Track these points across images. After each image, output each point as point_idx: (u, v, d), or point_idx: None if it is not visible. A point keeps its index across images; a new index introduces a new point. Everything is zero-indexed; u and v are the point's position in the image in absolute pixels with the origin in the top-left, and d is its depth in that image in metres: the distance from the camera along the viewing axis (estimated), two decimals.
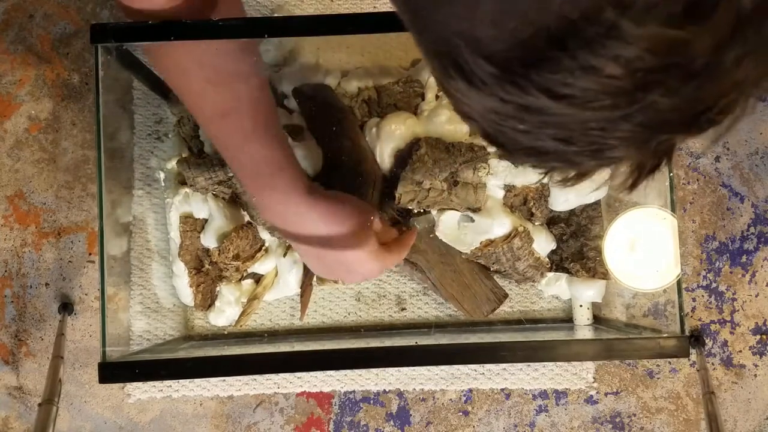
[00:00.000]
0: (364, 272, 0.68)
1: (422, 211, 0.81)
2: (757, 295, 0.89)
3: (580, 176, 0.35)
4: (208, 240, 0.82)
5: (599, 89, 0.27)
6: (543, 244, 0.81)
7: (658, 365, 0.89)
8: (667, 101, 0.28)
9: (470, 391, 0.89)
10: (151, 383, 0.88)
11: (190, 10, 0.61)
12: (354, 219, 0.66)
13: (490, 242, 0.80)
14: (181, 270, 0.83)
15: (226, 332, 0.88)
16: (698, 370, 0.86)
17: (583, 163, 0.33)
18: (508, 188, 0.81)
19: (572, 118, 0.29)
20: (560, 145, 0.31)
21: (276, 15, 0.90)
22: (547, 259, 0.83)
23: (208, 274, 0.84)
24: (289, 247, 0.83)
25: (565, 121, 0.29)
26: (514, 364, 0.87)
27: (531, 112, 0.30)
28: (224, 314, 0.85)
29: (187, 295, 0.84)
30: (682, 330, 0.66)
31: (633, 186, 0.35)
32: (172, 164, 0.83)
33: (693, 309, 0.89)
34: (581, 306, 0.85)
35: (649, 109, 0.28)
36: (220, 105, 0.60)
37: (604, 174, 0.35)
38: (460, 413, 0.89)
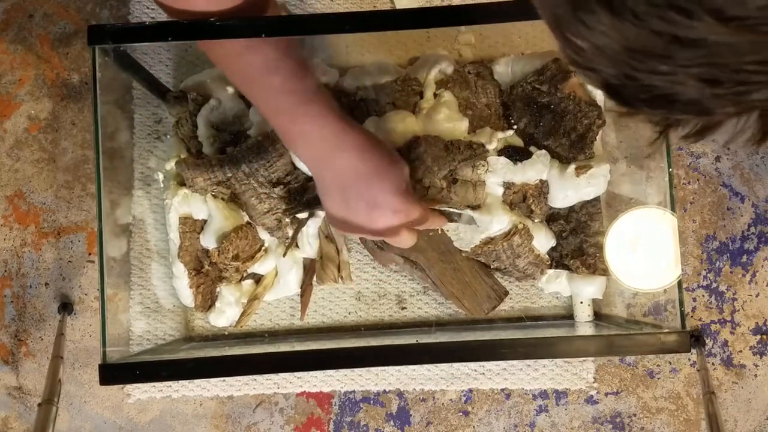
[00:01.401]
0: (386, 210, 0.66)
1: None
2: (757, 295, 0.89)
3: (704, 130, 0.33)
4: (208, 241, 0.82)
5: None
6: (543, 241, 0.81)
7: (658, 365, 0.89)
8: None
9: (470, 391, 0.89)
10: (151, 383, 0.88)
11: (231, 12, 0.62)
12: (387, 154, 0.66)
13: (489, 240, 0.80)
14: (180, 271, 0.83)
15: (226, 333, 0.88)
16: (698, 370, 0.86)
17: (717, 112, 0.31)
18: (507, 185, 0.80)
19: (733, 48, 0.27)
20: (704, 87, 0.29)
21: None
22: (547, 256, 0.83)
23: (207, 274, 0.84)
24: (289, 247, 0.83)
25: (721, 52, 0.27)
26: (514, 364, 0.87)
27: (685, 45, 0.27)
28: (224, 315, 0.85)
29: (187, 296, 0.84)
30: (683, 325, 0.66)
31: (761, 142, 0.32)
32: (171, 165, 0.82)
33: (693, 309, 0.89)
34: (582, 303, 0.85)
35: None
36: (241, 42, 0.61)
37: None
38: (460, 413, 0.89)
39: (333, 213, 0.70)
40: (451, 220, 0.80)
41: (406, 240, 0.71)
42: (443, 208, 0.75)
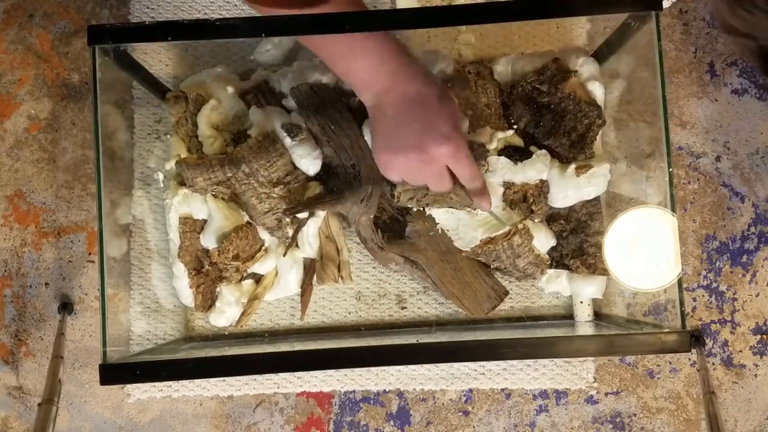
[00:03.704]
0: (437, 133, 0.68)
1: (422, 209, 0.81)
2: (757, 295, 0.89)
3: None
4: (208, 240, 0.82)
5: None
6: (543, 240, 0.81)
7: (658, 365, 0.89)
8: None
9: (470, 391, 0.89)
10: (151, 383, 0.88)
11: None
12: (443, 90, 0.69)
13: (490, 240, 0.80)
14: (180, 271, 0.83)
15: (226, 333, 0.88)
16: (698, 370, 0.86)
17: None
18: (508, 185, 0.81)
19: None
20: None
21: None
22: (547, 256, 0.83)
23: (208, 274, 0.84)
24: (289, 247, 0.83)
25: None
26: (514, 363, 0.87)
27: None
28: (224, 315, 0.85)
29: (188, 296, 0.84)
30: (683, 325, 0.66)
31: None
32: (171, 165, 0.82)
33: (693, 309, 0.89)
34: (582, 302, 0.85)
35: None
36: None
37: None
38: (460, 413, 0.89)
39: (386, 151, 0.72)
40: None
41: (446, 183, 0.72)
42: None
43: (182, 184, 0.82)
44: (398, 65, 0.67)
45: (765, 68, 0.33)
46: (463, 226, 0.81)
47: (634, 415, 0.89)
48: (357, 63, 0.67)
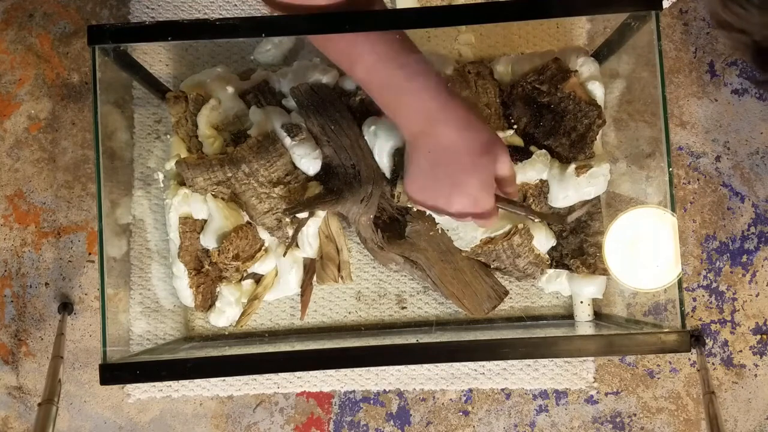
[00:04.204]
0: (467, 197, 0.67)
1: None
2: (757, 295, 0.89)
3: None
4: (208, 240, 0.82)
5: None
6: (543, 240, 0.81)
7: (658, 365, 0.89)
8: None
9: (470, 391, 0.89)
10: (151, 383, 0.88)
11: (339, 6, 0.62)
12: (486, 136, 0.66)
13: (490, 240, 0.80)
14: (181, 271, 0.83)
15: (226, 333, 0.88)
16: (698, 370, 0.86)
17: None
18: None
19: None
20: None
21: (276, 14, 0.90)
22: (547, 256, 0.83)
23: (208, 274, 0.84)
24: (289, 247, 0.83)
25: None
26: (514, 363, 0.87)
27: None
28: (224, 315, 0.85)
29: (188, 296, 0.84)
30: (683, 325, 0.66)
31: None
32: (171, 165, 0.82)
33: (693, 309, 0.89)
34: (582, 302, 0.85)
35: None
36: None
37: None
38: (460, 413, 0.89)
39: (414, 184, 0.70)
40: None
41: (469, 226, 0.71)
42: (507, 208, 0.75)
43: (182, 184, 0.82)
44: (438, 110, 0.64)
45: (759, 63, 0.33)
46: (463, 226, 0.81)
47: (634, 415, 0.89)
48: (401, 100, 0.65)
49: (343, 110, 0.81)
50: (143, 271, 0.88)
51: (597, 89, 0.81)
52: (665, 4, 0.89)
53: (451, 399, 0.89)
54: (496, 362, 0.87)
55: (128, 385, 0.88)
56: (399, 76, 0.63)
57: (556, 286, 0.85)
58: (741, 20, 0.31)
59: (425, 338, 0.76)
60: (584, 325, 0.84)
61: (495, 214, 0.70)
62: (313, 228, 0.83)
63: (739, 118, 0.90)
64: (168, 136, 0.88)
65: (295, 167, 0.81)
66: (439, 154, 0.66)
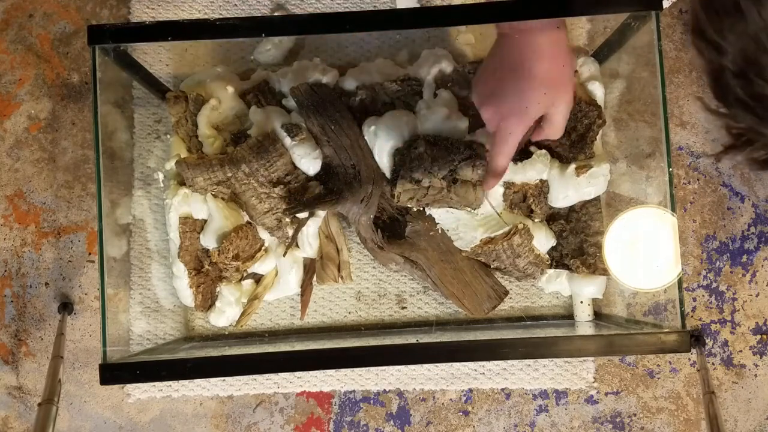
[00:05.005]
0: (539, 82, 0.65)
1: (422, 209, 0.81)
2: (757, 295, 0.89)
3: None
4: (208, 240, 0.82)
5: None
6: (543, 240, 0.81)
7: (658, 365, 0.89)
8: None
9: (470, 390, 0.89)
10: (151, 383, 0.88)
11: None
12: (566, 57, 0.65)
13: (490, 240, 0.80)
14: (181, 271, 0.83)
15: (226, 333, 0.88)
16: (698, 370, 0.86)
17: None
18: (508, 185, 0.81)
19: None
20: None
21: (276, 14, 0.90)
22: (547, 256, 0.83)
23: (208, 274, 0.84)
24: (289, 247, 0.83)
25: None
26: (514, 363, 0.87)
27: None
28: (224, 315, 0.85)
29: (188, 296, 0.84)
30: (683, 325, 0.66)
31: None
32: (171, 165, 0.82)
33: (693, 309, 0.89)
34: (582, 302, 0.85)
35: None
36: None
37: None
38: (460, 413, 0.89)
39: (486, 84, 0.69)
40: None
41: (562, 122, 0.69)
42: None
43: (182, 184, 0.82)
44: (537, 26, 0.63)
45: (717, 91, 0.32)
46: (463, 226, 0.81)
47: (634, 415, 0.89)
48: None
49: (343, 110, 0.81)
50: (143, 271, 0.88)
51: (597, 89, 0.81)
52: (665, 4, 0.89)
53: (451, 399, 0.89)
54: (496, 362, 0.87)
55: (128, 385, 0.88)
56: None
57: (556, 286, 0.85)
58: (722, 38, 0.30)
59: (425, 338, 0.76)
60: (584, 325, 0.84)
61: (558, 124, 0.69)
62: (313, 228, 0.83)
63: None
64: (168, 136, 0.88)
65: (295, 167, 0.81)
66: (522, 51, 0.65)
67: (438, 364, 0.88)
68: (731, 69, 0.30)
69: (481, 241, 0.80)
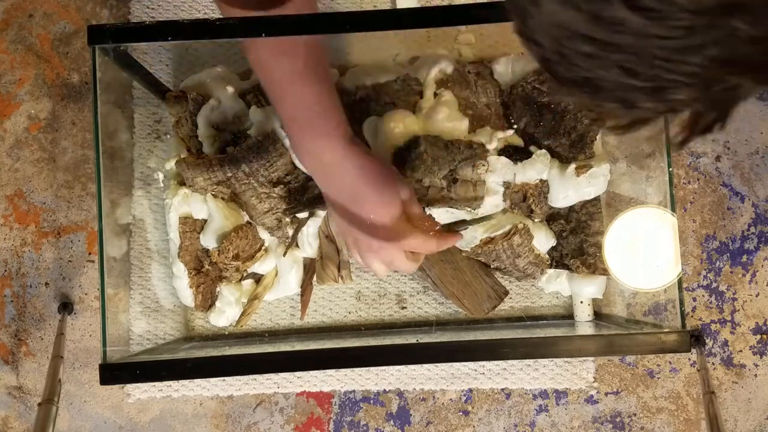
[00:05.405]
0: (381, 228, 0.68)
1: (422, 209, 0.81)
2: (757, 295, 0.89)
3: (633, 124, 0.34)
4: (208, 240, 0.82)
5: (681, 4, 0.26)
6: (543, 240, 0.81)
7: (658, 365, 0.89)
8: (748, 30, 0.26)
9: (470, 390, 0.89)
10: (151, 383, 0.88)
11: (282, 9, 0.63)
12: (385, 177, 0.68)
13: (490, 240, 0.80)
14: (180, 271, 0.83)
15: (226, 333, 0.88)
16: (698, 370, 0.86)
17: (640, 104, 0.32)
18: (508, 185, 0.81)
19: (643, 40, 0.28)
20: (622, 75, 0.30)
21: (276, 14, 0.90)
22: (547, 256, 0.83)
23: (208, 274, 0.84)
24: (289, 247, 0.83)
25: (634, 43, 0.28)
26: (514, 363, 0.87)
27: (603, 26, 0.28)
28: (224, 315, 0.85)
29: (188, 296, 0.84)
30: (683, 325, 0.66)
31: (683, 143, 0.33)
32: (171, 165, 0.82)
33: (693, 309, 0.89)
34: (582, 302, 0.85)
35: (727, 39, 0.27)
36: (277, 45, 0.63)
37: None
38: (460, 413, 0.89)
39: (339, 227, 0.73)
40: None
41: (403, 265, 0.71)
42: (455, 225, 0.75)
43: (182, 184, 0.82)
44: (343, 157, 0.66)
45: (547, 71, 0.33)
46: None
47: (634, 414, 0.89)
48: (306, 139, 0.67)
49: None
50: (143, 271, 0.88)
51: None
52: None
53: (451, 399, 0.89)
54: (496, 362, 0.87)
55: (128, 385, 0.88)
56: (309, 115, 0.65)
57: (556, 286, 0.85)
58: (533, 32, 0.31)
59: (425, 338, 0.76)
60: (584, 325, 0.84)
61: (430, 239, 0.70)
62: (313, 228, 0.83)
63: (739, 118, 0.90)
64: (168, 136, 0.88)
65: (295, 167, 0.81)
66: (343, 195, 0.68)
67: (438, 364, 0.88)
68: (552, 58, 0.32)
69: (481, 241, 0.80)
